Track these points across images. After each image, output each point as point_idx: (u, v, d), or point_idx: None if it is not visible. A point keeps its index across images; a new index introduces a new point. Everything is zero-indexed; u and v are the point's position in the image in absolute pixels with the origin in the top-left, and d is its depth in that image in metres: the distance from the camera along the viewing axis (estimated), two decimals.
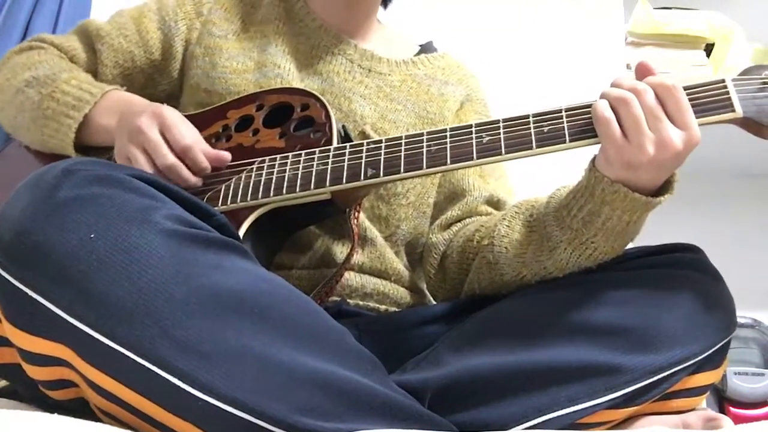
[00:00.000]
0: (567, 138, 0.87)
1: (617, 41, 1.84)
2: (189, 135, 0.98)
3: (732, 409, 1.67)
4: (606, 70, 1.79)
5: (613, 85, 0.87)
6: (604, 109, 0.84)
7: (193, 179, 0.98)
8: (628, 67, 1.83)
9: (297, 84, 1.13)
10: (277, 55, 1.15)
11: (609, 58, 1.82)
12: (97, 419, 0.73)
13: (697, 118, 0.84)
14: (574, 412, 0.83)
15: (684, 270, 0.90)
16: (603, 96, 0.86)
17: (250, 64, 1.15)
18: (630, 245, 0.96)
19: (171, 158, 0.96)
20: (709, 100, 0.85)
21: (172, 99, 1.20)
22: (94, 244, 0.69)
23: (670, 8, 1.93)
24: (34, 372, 0.74)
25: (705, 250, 0.95)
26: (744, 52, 1.89)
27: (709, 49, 1.87)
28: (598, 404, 0.83)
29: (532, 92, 1.71)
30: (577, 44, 1.81)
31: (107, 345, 0.67)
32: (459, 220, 1.15)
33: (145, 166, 0.96)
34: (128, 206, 0.72)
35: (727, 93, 0.85)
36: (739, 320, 0.95)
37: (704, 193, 1.81)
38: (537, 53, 1.79)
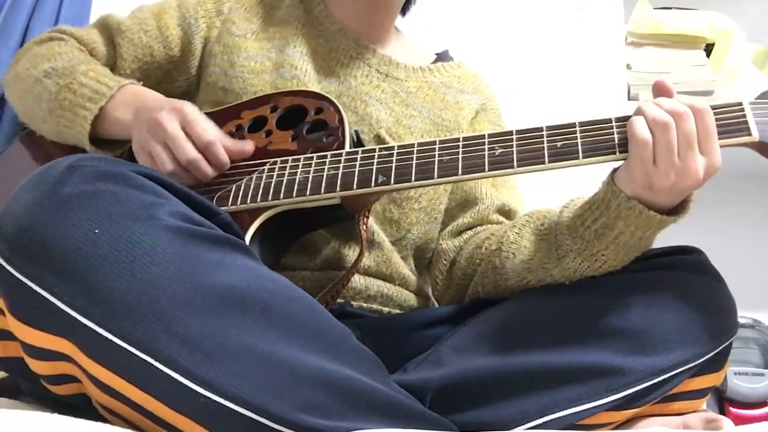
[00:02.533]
0: (580, 155, 0.86)
1: (617, 41, 1.84)
2: (211, 130, 0.99)
3: (732, 409, 1.67)
4: (606, 70, 1.79)
5: (655, 102, 0.85)
6: (643, 130, 0.83)
7: (212, 174, 0.99)
8: (628, 67, 1.82)
9: (314, 86, 1.13)
10: (294, 57, 1.15)
11: (609, 58, 1.81)
12: (98, 415, 0.73)
13: None
14: (575, 413, 0.83)
15: (685, 272, 0.91)
16: (640, 113, 0.85)
17: (268, 65, 1.15)
18: None
19: (193, 153, 0.97)
20: (725, 123, 0.84)
21: (188, 96, 1.20)
22: (98, 239, 0.69)
23: (670, 8, 1.93)
24: (37, 366, 0.74)
25: (705, 251, 0.95)
26: (744, 52, 1.89)
27: (708, 49, 1.87)
28: (598, 406, 0.83)
29: (533, 92, 1.71)
30: (577, 44, 1.81)
31: (109, 340, 0.67)
32: (470, 228, 1.15)
33: (167, 162, 0.96)
34: (132, 203, 0.72)
35: (744, 116, 0.84)
36: (739, 320, 0.95)
37: (704, 193, 1.80)
38: (537, 53, 1.79)
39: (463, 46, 1.46)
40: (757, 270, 1.91)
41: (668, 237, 0.94)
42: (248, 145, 1.01)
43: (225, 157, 0.99)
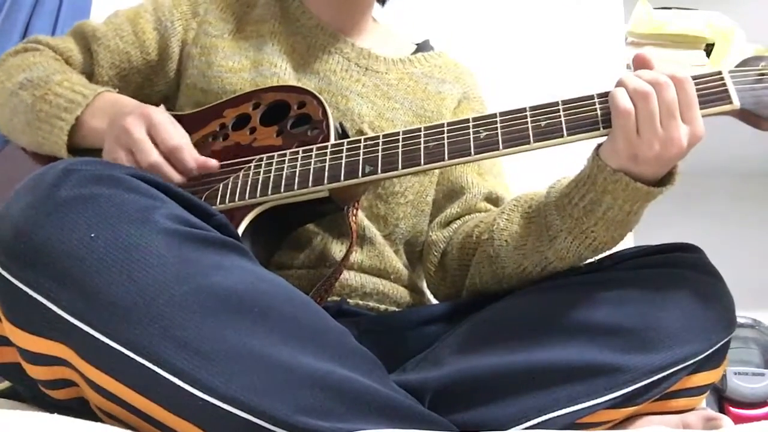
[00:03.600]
0: (565, 132, 0.87)
1: (617, 41, 1.84)
2: (177, 135, 0.98)
3: (732, 409, 1.67)
4: (606, 70, 1.79)
5: (635, 73, 0.86)
6: (625, 101, 0.84)
7: (178, 178, 0.97)
8: (628, 67, 1.82)
9: (293, 83, 1.13)
10: (273, 54, 1.15)
11: (609, 58, 1.82)
12: (97, 419, 0.73)
13: None
14: (573, 411, 0.83)
15: (684, 270, 0.90)
16: (621, 84, 0.86)
17: (246, 63, 1.15)
18: (630, 245, 0.96)
19: (154, 156, 0.96)
20: (706, 93, 0.85)
21: (169, 99, 1.20)
22: (94, 243, 0.69)
23: (670, 8, 1.93)
24: (35, 371, 0.74)
25: (705, 250, 0.95)
26: (744, 52, 1.89)
27: (709, 49, 1.87)
28: (597, 404, 0.83)
29: (533, 92, 1.70)
30: (577, 44, 1.81)
31: (107, 344, 0.67)
32: (458, 218, 1.15)
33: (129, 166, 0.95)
34: (128, 206, 0.72)
35: (725, 85, 0.85)
36: (739, 320, 0.95)
37: (704, 193, 1.81)
38: (537, 53, 1.79)
39: (463, 47, 1.46)
40: (757, 270, 1.91)
41: (668, 235, 0.94)
42: (212, 161, 0.99)
43: (191, 164, 0.97)
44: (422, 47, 1.30)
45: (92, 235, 0.70)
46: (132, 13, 1.21)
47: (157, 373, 0.67)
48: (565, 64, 1.78)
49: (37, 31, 1.49)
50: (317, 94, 1.06)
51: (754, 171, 1.92)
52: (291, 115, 1.05)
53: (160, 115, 0.99)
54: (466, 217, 1.14)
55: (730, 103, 0.84)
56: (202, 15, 1.20)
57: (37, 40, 1.20)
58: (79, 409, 0.75)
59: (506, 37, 1.80)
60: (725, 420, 0.91)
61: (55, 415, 0.67)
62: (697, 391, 0.91)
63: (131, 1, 1.25)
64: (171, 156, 0.97)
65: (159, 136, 0.97)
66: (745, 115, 0.86)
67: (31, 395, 0.80)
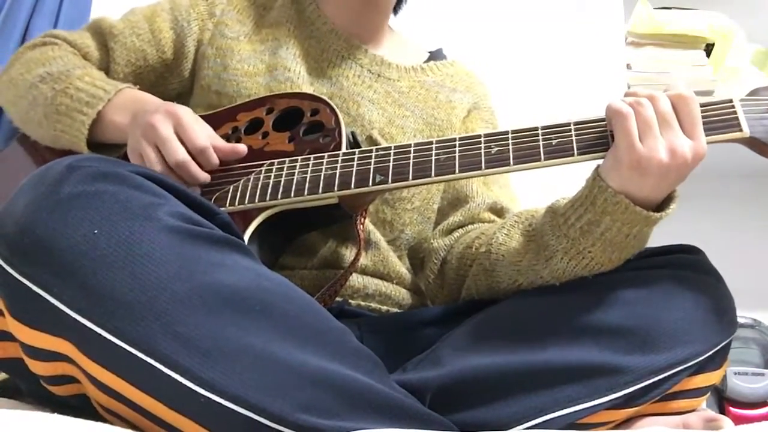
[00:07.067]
0: (575, 151, 0.88)
1: (617, 41, 1.84)
2: (204, 135, 0.99)
3: (732, 409, 1.66)
4: (606, 70, 1.79)
5: (627, 94, 0.88)
6: (621, 103, 0.85)
7: (203, 176, 0.99)
8: (629, 67, 1.83)
9: (306, 87, 1.13)
10: (287, 59, 1.15)
11: (609, 58, 1.81)
12: (98, 416, 0.73)
13: (705, 135, 0.85)
14: (574, 412, 0.83)
15: (685, 271, 0.90)
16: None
17: (261, 67, 1.15)
18: None
19: (182, 155, 0.97)
20: (716, 119, 0.86)
21: (182, 99, 1.20)
22: (97, 239, 0.69)
23: (670, 8, 1.93)
24: (36, 367, 0.74)
25: (705, 250, 0.95)
26: (744, 52, 1.89)
27: (709, 49, 1.87)
28: (598, 404, 0.83)
29: (533, 92, 1.71)
30: (577, 44, 1.81)
31: (109, 340, 0.67)
32: (461, 226, 1.15)
33: (156, 163, 0.97)
34: (132, 203, 0.72)
35: (735, 113, 0.86)
36: (739, 320, 0.95)
37: (704, 193, 1.80)
38: (537, 53, 1.79)
39: (462, 46, 1.46)
40: (757, 270, 1.91)
41: (668, 236, 0.94)
42: (240, 146, 1.02)
43: (216, 161, 1.00)
44: (435, 56, 1.31)
45: (95, 231, 0.70)
46: (149, 12, 1.21)
47: (158, 369, 0.67)
48: (565, 64, 1.78)
49: (37, 31, 1.48)
50: (331, 102, 1.06)
51: (755, 171, 1.92)
52: (304, 122, 1.05)
53: (187, 113, 1.00)
54: (469, 226, 1.14)
55: (740, 130, 0.85)
56: (219, 16, 1.20)
57: (55, 35, 1.21)
58: (80, 405, 0.75)
59: (506, 36, 1.80)
60: (726, 421, 0.91)
61: (56, 415, 0.67)
62: (698, 392, 0.91)
63: (131, 1, 1.25)
64: (199, 155, 0.99)
65: (186, 135, 0.98)
66: (754, 143, 0.86)
67: (32, 391, 0.81)
